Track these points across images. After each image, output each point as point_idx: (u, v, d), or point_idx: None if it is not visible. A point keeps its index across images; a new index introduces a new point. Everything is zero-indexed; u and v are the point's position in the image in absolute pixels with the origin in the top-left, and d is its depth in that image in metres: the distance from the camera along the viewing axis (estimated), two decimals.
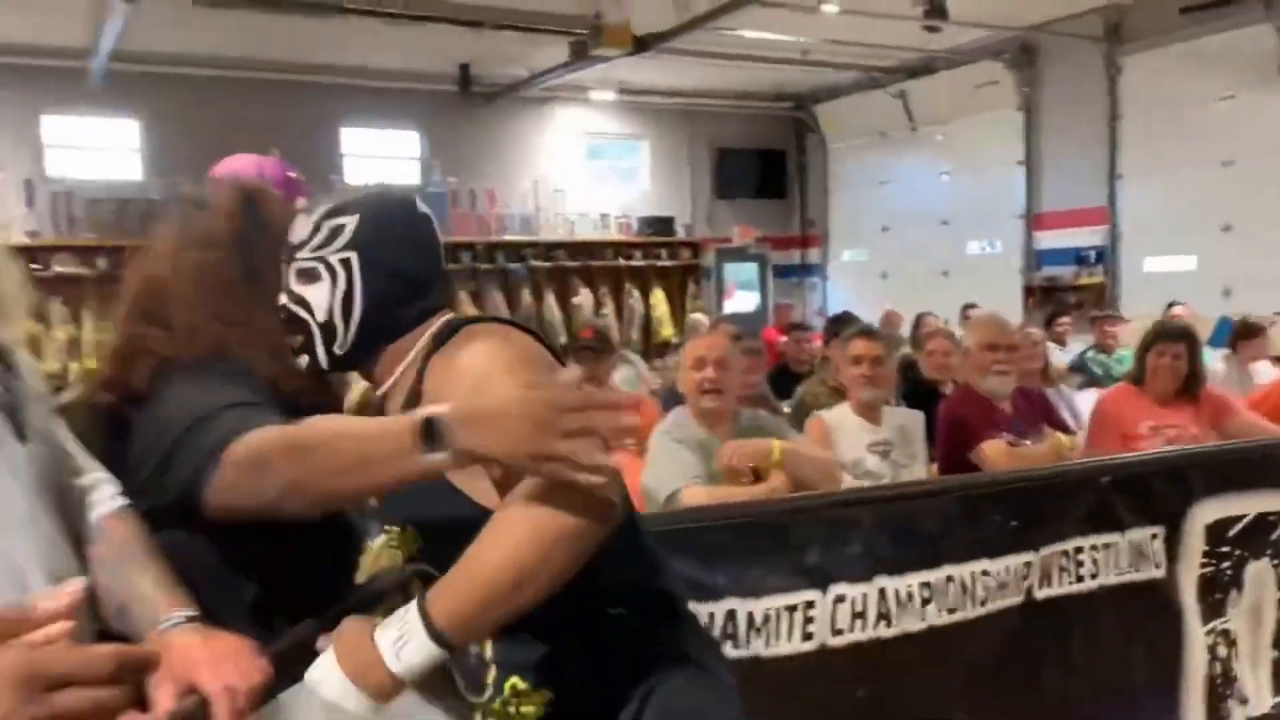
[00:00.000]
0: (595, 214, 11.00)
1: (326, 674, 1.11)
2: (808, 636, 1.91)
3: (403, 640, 1.10)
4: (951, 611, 2.02)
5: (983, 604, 2.06)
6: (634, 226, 11.11)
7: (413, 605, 1.12)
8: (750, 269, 11.94)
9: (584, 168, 11.35)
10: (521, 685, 1.31)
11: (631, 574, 1.32)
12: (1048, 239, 9.53)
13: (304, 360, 1.41)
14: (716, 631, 1.85)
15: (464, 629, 1.11)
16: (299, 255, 1.41)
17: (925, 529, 2.04)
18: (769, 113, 12.05)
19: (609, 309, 10.71)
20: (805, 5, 7.50)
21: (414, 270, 1.42)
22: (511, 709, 1.31)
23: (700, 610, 1.83)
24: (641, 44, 7.91)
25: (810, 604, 1.91)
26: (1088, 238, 9.13)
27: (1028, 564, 2.12)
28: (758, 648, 1.87)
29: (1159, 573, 2.31)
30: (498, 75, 10.05)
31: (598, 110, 11.24)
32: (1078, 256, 9.18)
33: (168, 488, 1.27)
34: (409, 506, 1.32)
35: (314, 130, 9.69)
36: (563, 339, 8.97)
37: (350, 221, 1.40)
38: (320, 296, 1.39)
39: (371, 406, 1.49)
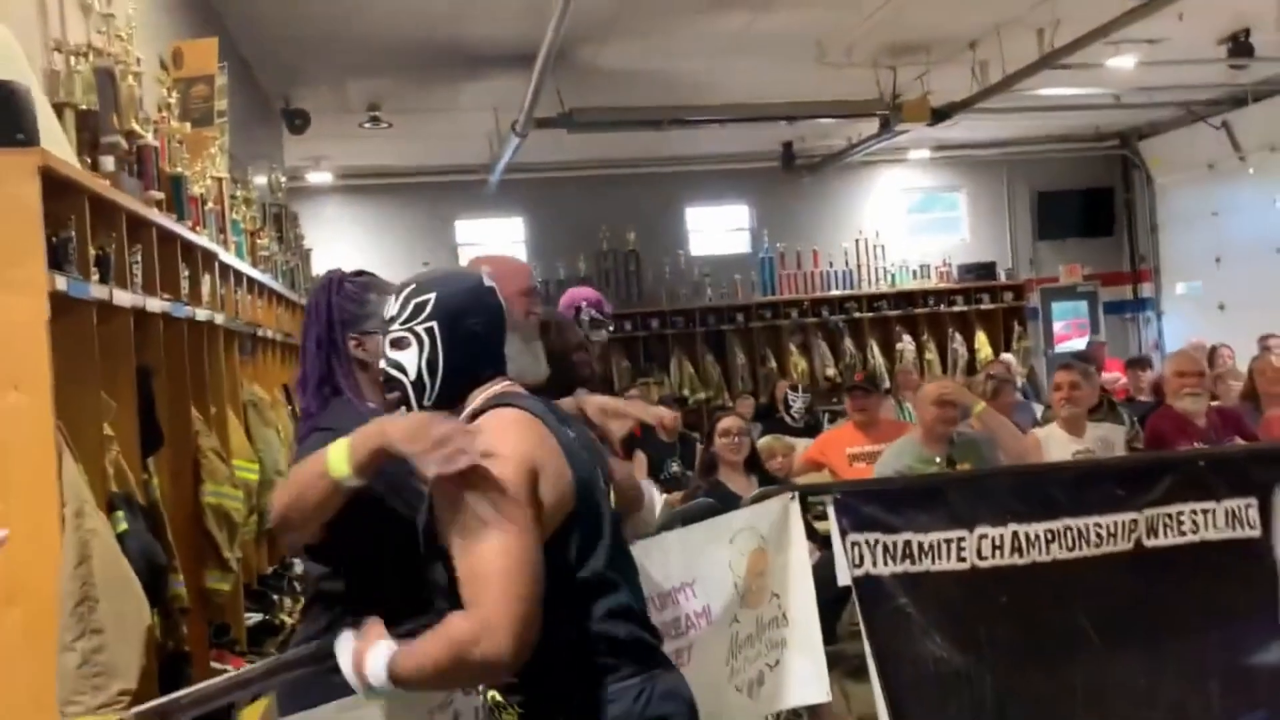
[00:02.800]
0: (915, 264, 12.05)
1: (345, 646, 1.76)
2: (961, 560, 3.08)
3: (374, 674, 1.69)
4: (1070, 549, 3.07)
5: (1096, 547, 3.09)
6: (954, 273, 12.01)
7: (384, 655, 1.68)
8: (1078, 307, 12.39)
9: (903, 221, 12.44)
10: (499, 698, 1.80)
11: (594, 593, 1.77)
12: None
13: (403, 411, 1.82)
14: (897, 555, 3.07)
15: (408, 686, 1.69)
16: (392, 328, 1.82)
17: (1049, 493, 3.12)
18: (1091, 153, 12.48)
19: (932, 354, 11.66)
20: (1097, 64, 8.23)
21: (483, 332, 1.83)
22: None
23: (886, 540, 3.07)
24: (940, 114, 8.99)
25: (962, 538, 3.08)
26: None
27: (1134, 520, 3.11)
28: (926, 565, 3.08)
29: (1254, 533, 3.17)
30: (818, 148, 11.48)
31: (915, 168, 12.33)
32: None
33: None
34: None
35: (663, 211, 11.69)
36: (886, 384, 10.01)
37: (430, 297, 1.80)
38: (410, 360, 1.79)
39: None
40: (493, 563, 1.59)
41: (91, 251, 2.79)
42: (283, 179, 7.81)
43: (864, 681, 3.15)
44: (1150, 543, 3.18)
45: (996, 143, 11.88)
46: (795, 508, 3.10)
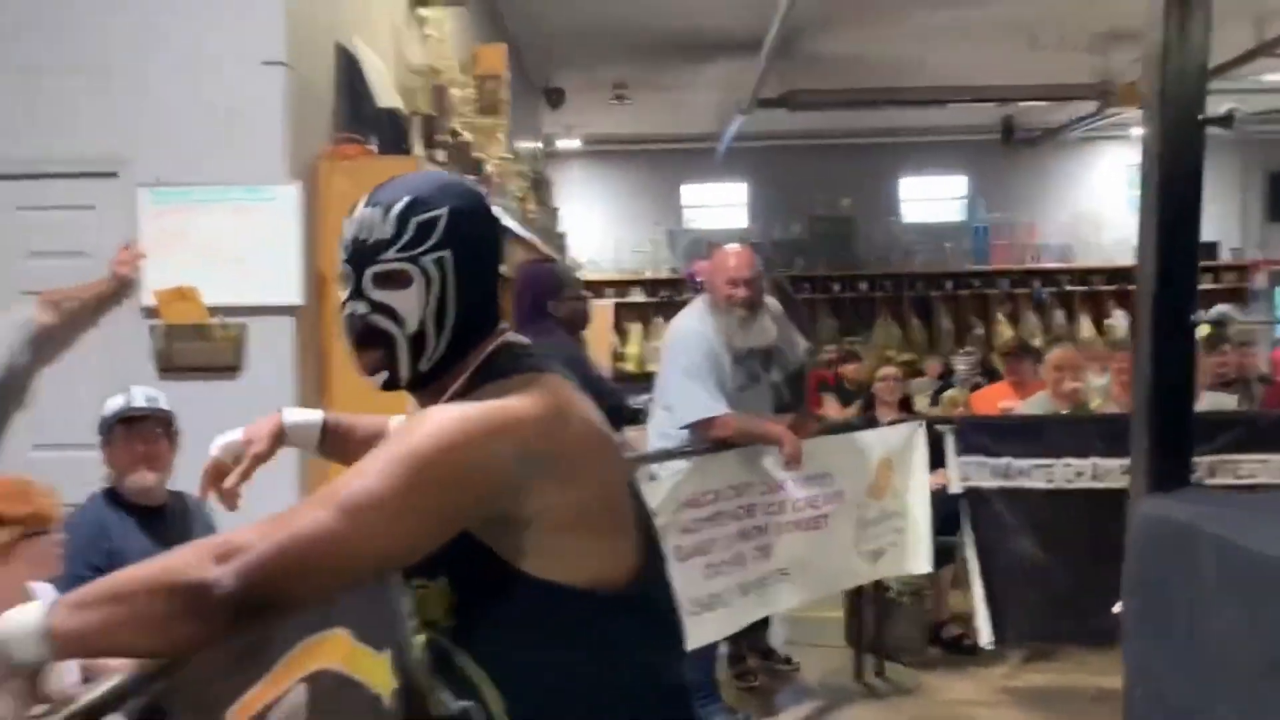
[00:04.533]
0: (1134, 241, 12.36)
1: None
2: (1049, 480, 4.11)
3: (19, 624, 1.10)
4: None
5: None
6: None
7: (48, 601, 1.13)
8: None
9: (1123, 198, 12.78)
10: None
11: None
12: None
13: (381, 377, 1.32)
14: (998, 474, 4.13)
15: (68, 642, 1.11)
16: (385, 256, 1.29)
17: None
18: None
19: None
20: None
21: (495, 268, 1.38)
22: None
23: (991, 463, 4.15)
24: None
25: (1051, 465, 4.10)
26: None
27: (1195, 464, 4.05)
28: (1021, 482, 4.13)
29: None
30: (1037, 123, 12.02)
31: (1138, 145, 12.61)
32: None
33: None
34: (444, 561, 1.24)
35: (879, 180, 12.59)
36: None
37: (441, 214, 1.30)
38: (410, 303, 1.28)
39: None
40: None
41: None
42: (538, 148, 9.34)
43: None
44: (1208, 481, 4.10)
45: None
46: (920, 433, 4.24)
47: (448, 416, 1.21)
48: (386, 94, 4.60)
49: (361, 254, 1.31)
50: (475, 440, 1.20)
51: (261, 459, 1.60)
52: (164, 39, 3.62)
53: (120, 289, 3.62)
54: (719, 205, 12.87)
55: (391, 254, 1.29)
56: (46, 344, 3.68)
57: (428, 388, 1.33)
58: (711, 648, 3.78)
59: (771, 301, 3.89)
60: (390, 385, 1.33)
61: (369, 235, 1.31)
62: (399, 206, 1.30)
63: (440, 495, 1.18)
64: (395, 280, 1.29)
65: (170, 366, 3.59)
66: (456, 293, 1.30)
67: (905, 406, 5.11)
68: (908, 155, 12.58)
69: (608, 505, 1.29)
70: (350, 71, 4.20)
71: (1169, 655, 2.20)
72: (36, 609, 1.10)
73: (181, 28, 3.62)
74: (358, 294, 1.31)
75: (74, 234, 3.67)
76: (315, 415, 1.66)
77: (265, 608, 1.13)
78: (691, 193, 12.90)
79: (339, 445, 1.66)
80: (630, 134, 12.06)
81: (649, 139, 12.25)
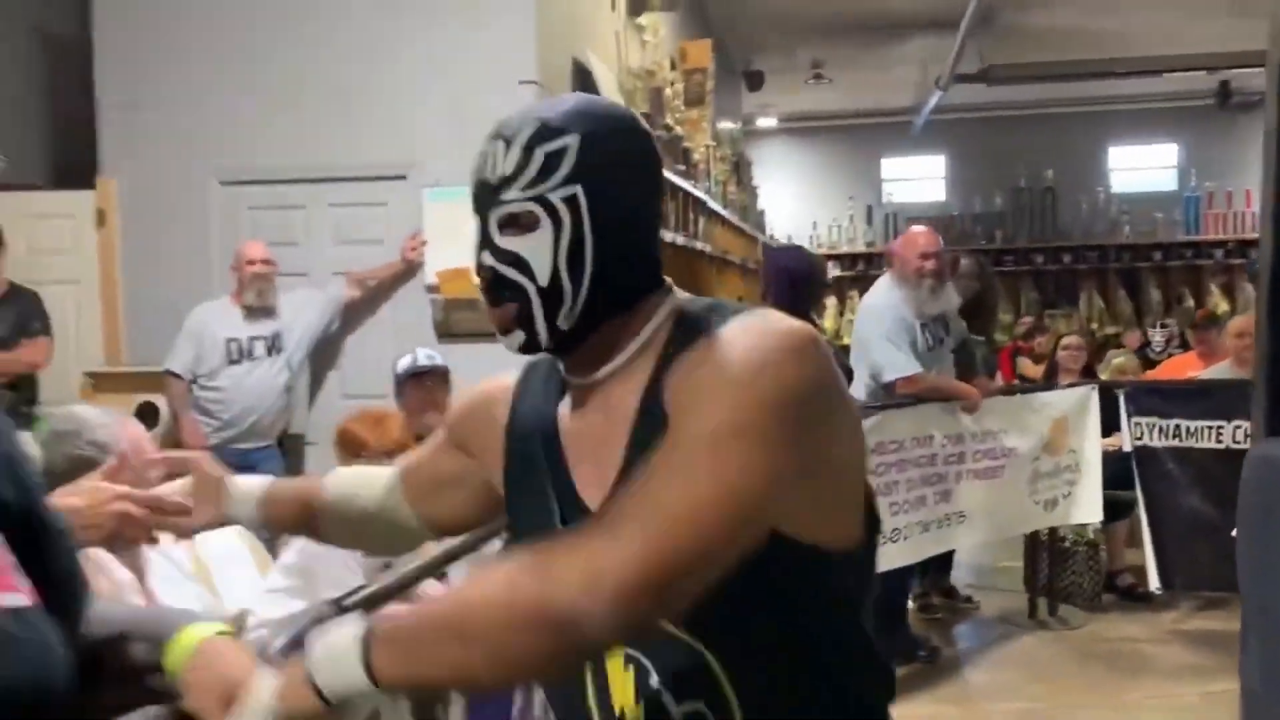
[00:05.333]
0: None
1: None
2: (1219, 441, 4.48)
3: (333, 661, 0.97)
4: None
5: None
6: None
7: (356, 631, 0.98)
8: None
9: None
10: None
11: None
12: None
13: (517, 338, 1.12)
14: (1168, 434, 4.52)
15: (395, 685, 0.98)
16: (506, 197, 1.10)
17: None
18: None
19: None
20: None
21: (646, 205, 1.14)
22: None
23: (1162, 423, 4.55)
24: None
25: (1221, 426, 4.47)
26: None
27: None
28: (1191, 443, 4.52)
29: None
30: (1255, 86, 11.72)
31: None
32: None
33: None
34: None
35: (1084, 149, 12.56)
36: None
37: (571, 143, 1.08)
38: (540, 250, 1.08)
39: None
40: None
41: None
42: (738, 129, 9.97)
43: None
44: None
45: None
46: (1094, 396, 4.69)
47: (768, 376, 0.99)
48: (612, 98, 5.37)
49: (485, 194, 1.12)
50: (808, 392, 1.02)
51: (210, 525, 1.59)
52: (442, 68, 4.48)
53: (409, 270, 4.56)
54: (917, 179, 13.14)
55: (514, 192, 1.10)
56: (351, 314, 4.66)
57: (575, 351, 1.13)
58: (905, 580, 4.40)
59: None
60: (529, 347, 1.13)
61: (491, 171, 1.11)
62: (524, 135, 1.10)
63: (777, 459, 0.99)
64: (521, 223, 1.10)
65: (447, 332, 4.47)
66: (594, 236, 1.09)
67: (1088, 374, 5.51)
68: (1114, 124, 12.49)
69: (859, 464, 1.14)
70: (584, 82, 4.97)
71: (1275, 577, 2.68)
72: (350, 642, 0.97)
73: (455, 58, 4.47)
74: (485, 241, 1.12)
75: (371, 226, 4.62)
76: (255, 482, 1.49)
77: (640, 631, 1.01)
78: (890, 166, 13.21)
79: (278, 511, 1.48)
80: (826, 110, 12.50)
81: (846, 114, 12.64)
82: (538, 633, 0.93)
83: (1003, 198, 12.60)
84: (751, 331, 1.04)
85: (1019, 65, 9.68)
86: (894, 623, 4.21)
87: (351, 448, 2.85)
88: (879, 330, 4.24)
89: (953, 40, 8.55)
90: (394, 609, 1.17)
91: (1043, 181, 12.50)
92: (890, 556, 4.02)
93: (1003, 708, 4.09)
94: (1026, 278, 12.21)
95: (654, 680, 1.10)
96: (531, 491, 1.18)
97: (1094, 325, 12.12)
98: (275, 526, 1.56)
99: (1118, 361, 6.62)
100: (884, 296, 4.36)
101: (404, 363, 3.89)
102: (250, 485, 1.43)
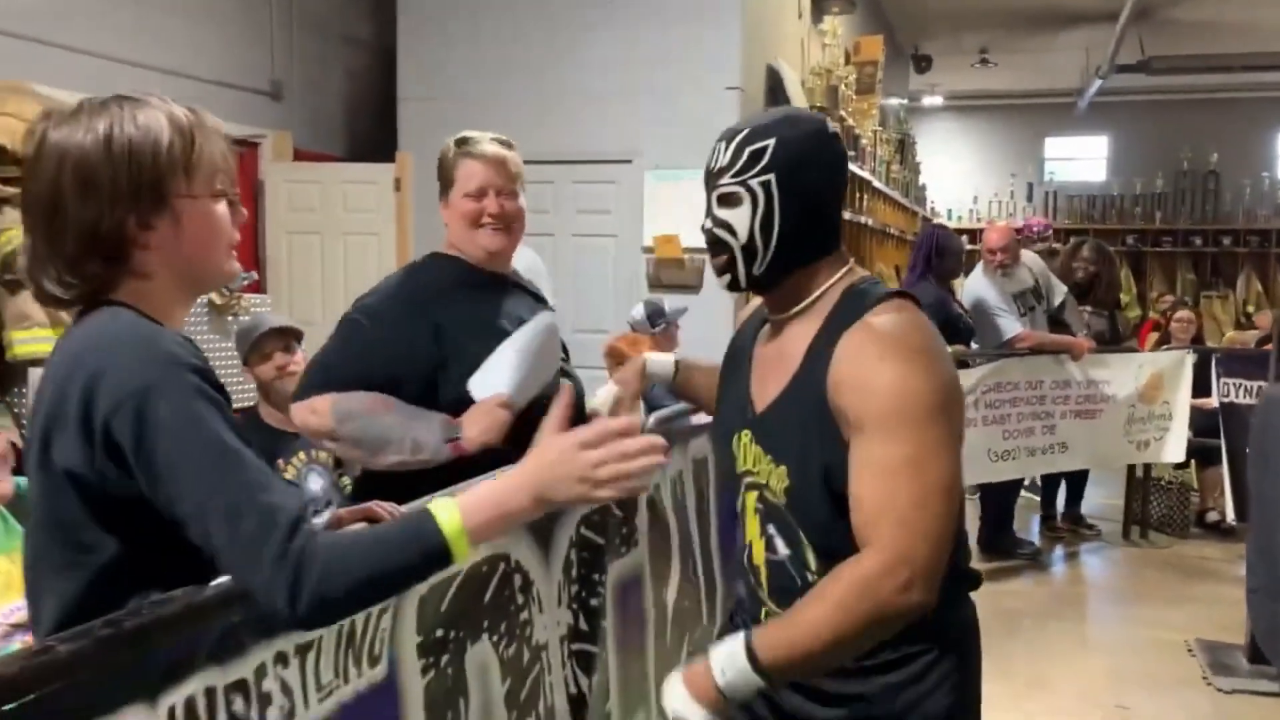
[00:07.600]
0: None
1: (674, 688, 1.47)
2: None
3: (726, 669, 1.43)
4: None
5: None
6: None
7: (740, 640, 1.44)
8: None
9: None
10: None
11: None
12: None
13: (726, 280, 1.63)
14: (1253, 393, 5.59)
15: (783, 674, 1.45)
16: (721, 181, 1.61)
17: None
18: None
19: None
20: None
21: (826, 192, 1.61)
22: None
23: (1247, 383, 5.63)
24: None
25: None
26: None
27: None
28: None
29: None
30: None
31: None
32: None
33: None
34: (787, 443, 1.55)
35: (1250, 134, 13.08)
36: None
37: (768, 145, 1.57)
38: (742, 219, 1.58)
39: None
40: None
41: None
42: (903, 111, 11.05)
43: None
44: None
45: None
46: (1189, 359, 5.81)
47: (914, 369, 1.45)
48: (797, 97, 6.66)
49: (710, 178, 1.63)
50: (944, 372, 1.49)
51: (637, 395, 2.12)
52: (664, 72, 5.88)
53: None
54: (1079, 158, 13.87)
55: (727, 179, 1.59)
56: None
57: (768, 290, 1.64)
58: (1013, 492, 5.71)
59: (1029, 256, 5.74)
60: (733, 286, 1.63)
61: (715, 163, 1.62)
62: (738, 138, 1.60)
63: (954, 434, 1.47)
64: (731, 200, 1.59)
65: (658, 284, 5.90)
66: (781, 211, 1.56)
67: (1196, 343, 6.58)
68: None
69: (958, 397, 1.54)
70: (775, 85, 6.30)
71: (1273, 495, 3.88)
72: (740, 656, 1.43)
73: (673, 66, 5.86)
74: (708, 211, 1.63)
75: (603, 200, 6.09)
76: (669, 358, 2.14)
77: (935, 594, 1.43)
78: (1053, 145, 13.98)
79: (688, 380, 2.13)
80: (990, 89, 13.34)
81: (1011, 94, 13.45)
82: (884, 626, 1.42)
83: (1165, 180, 13.16)
84: (905, 325, 1.51)
85: (1179, 57, 10.40)
86: (1003, 525, 5.53)
87: (616, 357, 4.30)
88: (988, 304, 5.48)
89: (1113, 31, 9.38)
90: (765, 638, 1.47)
91: (1206, 165, 13.04)
92: (1001, 471, 5.29)
93: (1079, 590, 5.41)
94: (1185, 259, 12.84)
95: (771, 528, 1.64)
96: (732, 384, 1.75)
97: (1250, 308, 12.70)
98: (679, 391, 2.19)
99: (1230, 334, 7.62)
100: (978, 280, 5.65)
101: (637, 310, 5.21)
102: (665, 360, 2.14)
